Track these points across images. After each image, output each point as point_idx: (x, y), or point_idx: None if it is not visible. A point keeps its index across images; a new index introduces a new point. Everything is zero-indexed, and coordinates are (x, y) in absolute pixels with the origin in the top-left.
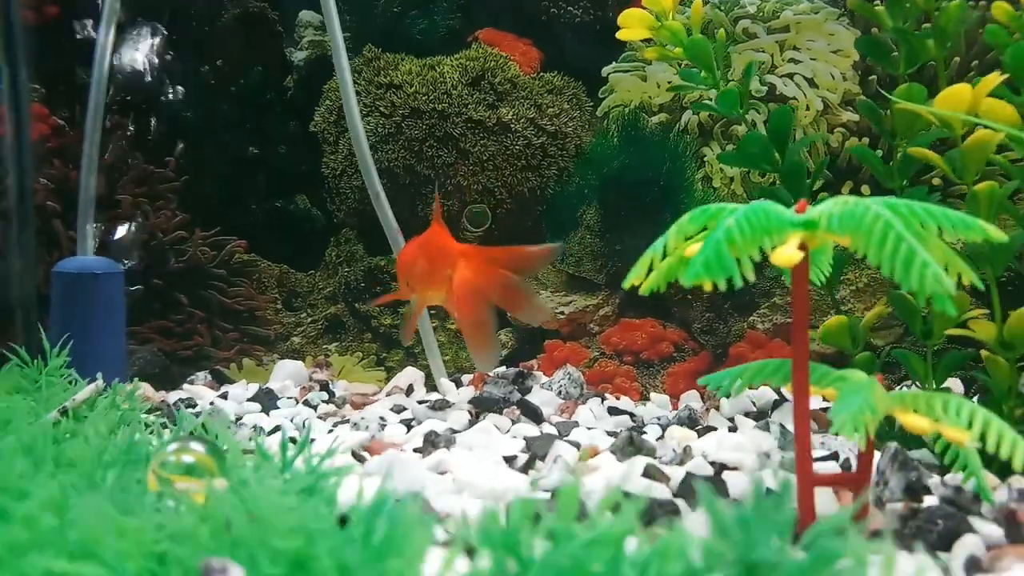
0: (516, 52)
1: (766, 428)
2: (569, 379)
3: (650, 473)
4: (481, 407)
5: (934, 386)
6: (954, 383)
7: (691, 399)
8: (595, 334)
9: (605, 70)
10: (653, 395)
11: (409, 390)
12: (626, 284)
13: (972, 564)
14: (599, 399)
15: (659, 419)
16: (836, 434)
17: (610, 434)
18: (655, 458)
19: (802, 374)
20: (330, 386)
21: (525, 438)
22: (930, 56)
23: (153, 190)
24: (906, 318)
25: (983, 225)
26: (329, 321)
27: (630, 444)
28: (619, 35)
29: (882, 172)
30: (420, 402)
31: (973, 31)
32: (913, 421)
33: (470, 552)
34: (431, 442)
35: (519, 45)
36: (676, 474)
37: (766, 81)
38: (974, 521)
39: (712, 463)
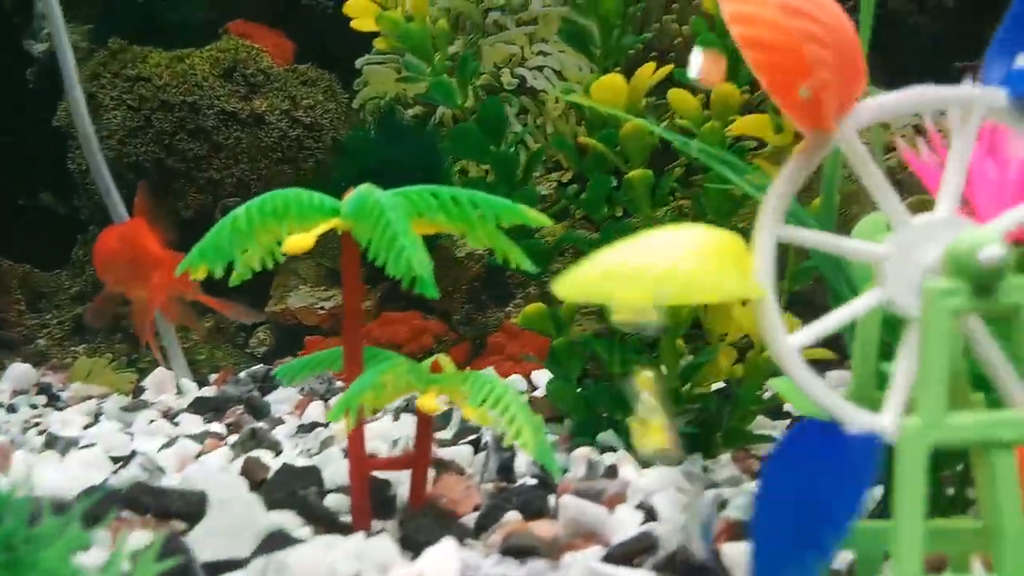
0: (268, 43)
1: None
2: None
3: (248, 467)
4: (203, 409)
5: (618, 369)
6: None
7: None
8: None
9: (359, 62)
10: None
11: (138, 391)
12: (180, 268)
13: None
14: None
15: (385, 410)
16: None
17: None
18: (277, 452)
19: (353, 361)
20: (52, 389)
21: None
22: (625, 49)
23: None
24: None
25: (523, 210)
26: (76, 322)
27: (251, 438)
28: (352, 24)
29: (577, 163)
30: (123, 407)
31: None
32: (424, 402)
33: None
34: (49, 444)
35: (271, 36)
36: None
37: (517, 73)
38: (551, 497)
39: (345, 453)
